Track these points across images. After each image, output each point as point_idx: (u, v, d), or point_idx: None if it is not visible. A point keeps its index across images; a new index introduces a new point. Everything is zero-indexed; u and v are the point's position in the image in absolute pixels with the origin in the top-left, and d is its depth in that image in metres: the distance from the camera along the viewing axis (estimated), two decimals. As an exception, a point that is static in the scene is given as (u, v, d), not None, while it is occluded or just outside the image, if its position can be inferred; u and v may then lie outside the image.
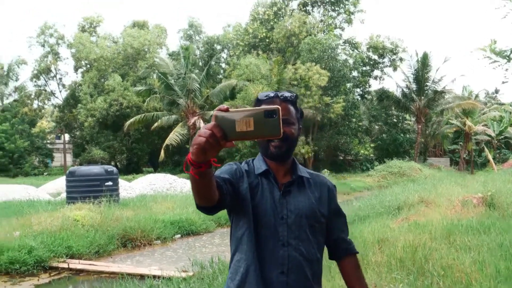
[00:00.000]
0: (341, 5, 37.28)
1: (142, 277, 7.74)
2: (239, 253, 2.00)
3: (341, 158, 37.25)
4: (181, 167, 33.55)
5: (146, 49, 38.71)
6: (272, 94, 1.98)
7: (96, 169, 13.81)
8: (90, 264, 8.92)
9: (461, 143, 40.28)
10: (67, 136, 44.68)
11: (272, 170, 2.02)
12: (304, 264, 1.95)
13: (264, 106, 1.51)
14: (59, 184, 19.85)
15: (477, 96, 42.98)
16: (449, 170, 34.15)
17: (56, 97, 45.00)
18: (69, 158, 44.63)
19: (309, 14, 37.25)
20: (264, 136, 1.52)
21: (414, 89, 35.55)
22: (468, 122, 35.45)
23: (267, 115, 1.47)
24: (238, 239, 2.00)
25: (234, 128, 1.46)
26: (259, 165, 2.04)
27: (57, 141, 47.07)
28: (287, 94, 1.99)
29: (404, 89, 36.21)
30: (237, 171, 2.01)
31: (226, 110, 1.47)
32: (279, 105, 1.86)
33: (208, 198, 1.73)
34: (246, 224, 1.96)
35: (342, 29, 38.61)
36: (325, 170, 27.43)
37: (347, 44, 39.03)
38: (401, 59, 38.64)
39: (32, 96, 43.60)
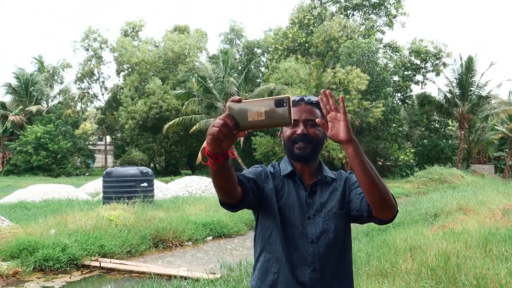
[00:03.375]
0: (383, 8, 36.66)
1: (170, 277, 7.76)
2: (267, 253, 2.02)
3: (380, 163, 36.62)
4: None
5: (186, 53, 39.24)
6: (298, 98, 2.05)
7: (132, 170, 14.00)
8: (121, 264, 9.00)
9: (507, 149, 39.05)
10: (108, 138, 45.74)
11: (298, 172, 2.06)
12: (334, 256, 1.98)
13: (274, 96, 1.55)
14: (98, 184, 20.25)
15: (524, 101, 41.49)
16: (494, 177, 33.04)
17: (99, 100, 46.28)
18: (110, 159, 45.67)
19: (349, 18, 36.83)
20: (275, 125, 1.55)
21: (458, 94, 34.65)
22: (514, 129, 34.27)
23: (277, 104, 1.51)
24: (265, 239, 2.02)
25: (246, 118, 1.51)
26: (285, 167, 2.09)
27: (99, 142, 48.26)
28: (313, 98, 2.05)
29: (447, 94, 35.34)
30: (262, 173, 2.06)
31: (239, 101, 1.52)
32: (304, 108, 2.00)
33: (230, 194, 1.78)
34: (274, 224, 1.99)
35: (383, 32, 37.96)
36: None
37: (388, 48, 38.37)
38: (444, 64, 37.64)
39: (76, 99, 44.91)
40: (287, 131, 2.02)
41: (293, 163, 2.07)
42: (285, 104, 1.51)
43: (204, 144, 1.56)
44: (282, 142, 2.11)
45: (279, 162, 2.15)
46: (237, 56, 41.80)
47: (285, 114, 1.51)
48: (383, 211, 1.85)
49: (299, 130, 1.98)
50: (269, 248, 2.00)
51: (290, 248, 1.96)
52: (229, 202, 1.83)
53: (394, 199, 1.86)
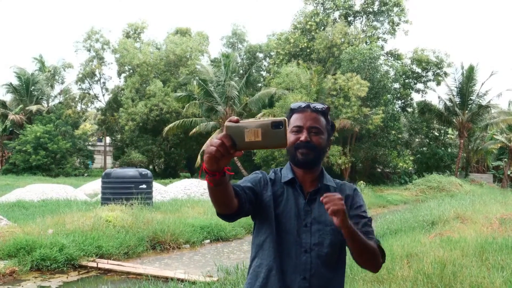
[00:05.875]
0: (385, 15, 36.71)
1: (167, 279, 7.77)
2: (259, 258, 2.04)
3: (379, 170, 36.63)
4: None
5: (187, 56, 39.26)
6: (304, 105, 2.07)
7: (131, 172, 14.01)
8: (118, 265, 9.01)
9: (505, 159, 39.04)
10: (108, 139, 45.69)
11: (298, 179, 2.08)
12: (326, 269, 1.99)
13: (271, 118, 1.60)
14: (96, 185, 20.23)
15: (524, 111, 41.48)
16: (492, 187, 33.06)
17: (99, 101, 46.26)
18: (109, 160, 45.63)
19: (351, 24, 36.88)
20: (271, 146, 1.60)
21: (458, 102, 34.71)
22: (514, 138, 34.31)
23: (274, 126, 1.57)
24: (259, 245, 2.05)
25: (243, 138, 1.57)
26: (286, 173, 2.10)
27: (99, 143, 48.22)
28: (319, 105, 2.06)
29: (447, 103, 35.38)
30: (262, 180, 2.08)
31: (237, 121, 1.58)
32: (309, 115, 2.02)
33: (226, 206, 1.83)
34: (269, 231, 2.02)
35: (385, 40, 38.00)
36: (361, 182, 27.00)
37: (390, 56, 38.43)
38: (445, 73, 37.71)
39: (76, 99, 44.86)
40: (290, 137, 2.02)
41: (294, 170, 2.08)
42: (281, 127, 1.57)
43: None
44: (286, 148, 2.13)
45: (281, 168, 2.16)
46: (239, 60, 41.86)
47: (281, 136, 1.57)
48: (366, 268, 2.07)
49: (303, 137, 1.99)
50: (262, 254, 2.02)
51: (283, 255, 1.98)
52: (226, 213, 1.87)
53: (384, 256, 2.01)
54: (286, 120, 1.58)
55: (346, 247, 2.07)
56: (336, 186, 2.11)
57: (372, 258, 1.97)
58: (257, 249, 2.06)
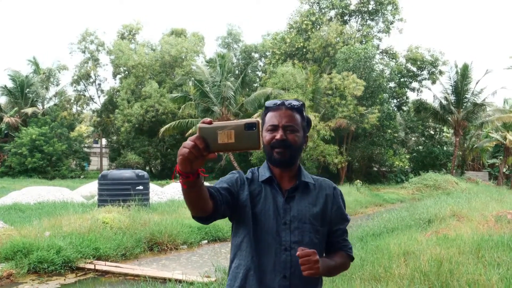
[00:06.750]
0: (380, 14, 36.78)
1: (164, 280, 7.78)
2: (237, 259, 2.03)
3: (376, 169, 36.71)
4: (214, 174, 33.74)
5: (183, 57, 39.23)
6: (279, 102, 2.03)
7: (127, 173, 13.99)
8: (116, 266, 9.00)
9: (500, 157, 39.16)
10: (104, 141, 45.59)
11: (275, 177, 2.06)
12: None
13: (244, 120, 1.58)
14: (93, 187, 20.16)
15: (519, 109, 41.61)
16: (487, 184, 33.16)
17: (95, 102, 46.19)
18: (106, 162, 45.53)
19: (346, 23, 36.94)
20: (244, 148, 1.58)
21: (453, 101, 34.78)
22: (509, 136, 34.42)
23: (247, 128, 1.55)
24: (237, 246, 2.04)
25: (217, 140, 1.55)
26: (263, 172, 2.09)
27: (95, 145, 48.07)
28: (294, 102, 2.03)
29: (442, 101, 35.47)
30: (238, 179, 2.06)
31: (210, 123, 1.56)
32: (284, 113, 1.99)
33: (201, 208, 1.80)
34: (246, 231, 1.99)
35: (379, 39, 38.10)
36: (358, 181, 27.02)
37: (385, 54, 38.51)
38: (440, 72, 37.82)
39: (72, 101, 44.74)
40: (266, 135, 2.01)
41: (272, 168, 2.07)
42: (254, 128, 1.55)
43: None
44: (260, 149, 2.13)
45: (258, 167, 2.15)
46: (234, 60, 41.86)
47: (254, 138, 1.55)
48: None
49: (278, 135, 1.97)
50: (240, 255, 2.01)
51: (262, 254, 1.96)
52: (201, 215, 1.86)
53: (351, 258, 2.21)
54: (260, 121, 1.57)
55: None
56: (315, 183, 2.10)
57: (340, 272, 2.19)
58: (235, 250, 2.04)
